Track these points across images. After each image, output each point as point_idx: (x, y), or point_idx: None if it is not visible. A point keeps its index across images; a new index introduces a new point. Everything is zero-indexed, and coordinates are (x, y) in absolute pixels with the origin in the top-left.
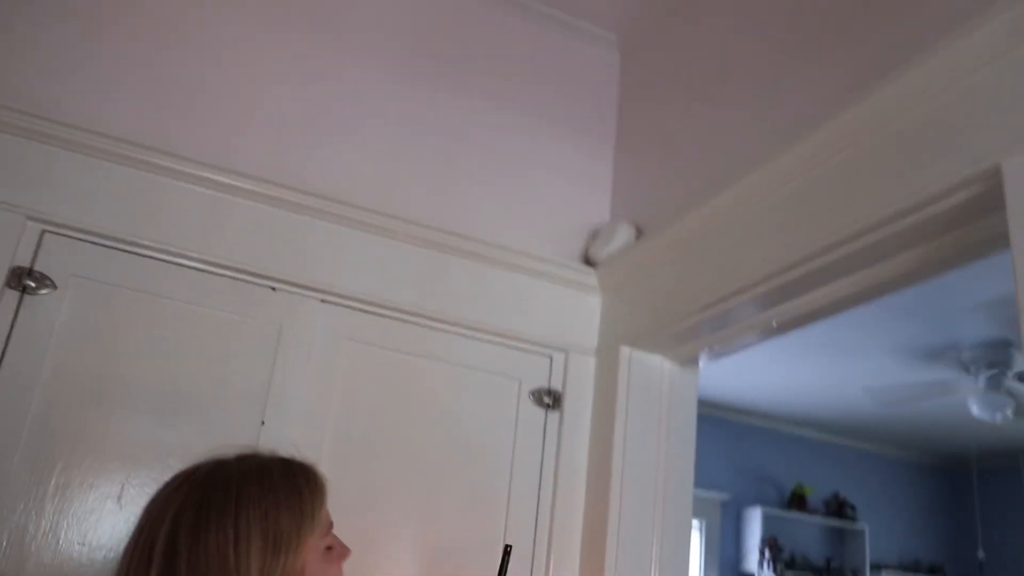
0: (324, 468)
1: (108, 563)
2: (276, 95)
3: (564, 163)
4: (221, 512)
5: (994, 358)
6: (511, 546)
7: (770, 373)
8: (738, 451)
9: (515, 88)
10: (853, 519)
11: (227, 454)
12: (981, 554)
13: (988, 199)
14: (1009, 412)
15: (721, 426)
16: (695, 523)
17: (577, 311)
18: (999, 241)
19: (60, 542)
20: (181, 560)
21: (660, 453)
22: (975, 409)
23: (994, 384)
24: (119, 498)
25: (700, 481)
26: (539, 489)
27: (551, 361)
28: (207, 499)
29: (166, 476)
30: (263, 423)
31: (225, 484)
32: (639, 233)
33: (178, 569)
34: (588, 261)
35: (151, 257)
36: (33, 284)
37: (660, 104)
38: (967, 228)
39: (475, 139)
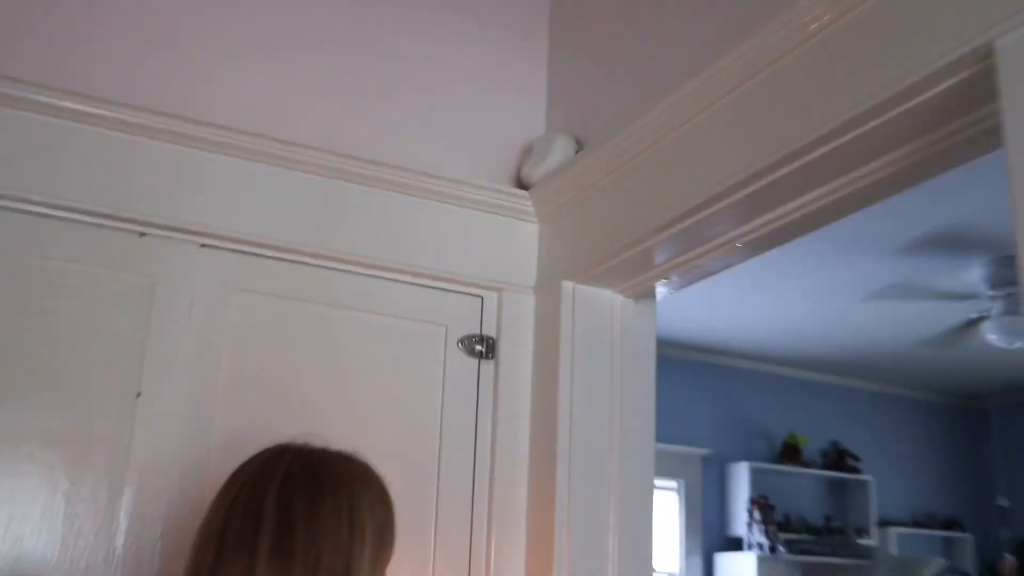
0: (218, 444)
1: None
2: (143, 9)
3: (489, 70)
4: (334, 493)
5: (1012, 275)
6: None
7: (752, 306)
8: (720, 399)
9: None
10: (856, 470)
11: (302, 441)
12: (1004, 502)
13: (979, 86)
14: None
15: (698, 371)
16: (673, 483)
17: (511, 243)
18: (993, 137)
19: None
20: (298, 521)
21: (614, 403)
22: (991, 335)
23: (1012, 306)
24: None
25: (676, 435)
26: (475, 451)
27: (482, 303)
28: (315, 473)
29: (21, 466)
30: (139, 395)
31: (330, 466)
32: (580, 147)
33: (294, 529)
34: (521, 184)
35: None
36: None
37: None
38: (958, 122)
39: (383, 47)
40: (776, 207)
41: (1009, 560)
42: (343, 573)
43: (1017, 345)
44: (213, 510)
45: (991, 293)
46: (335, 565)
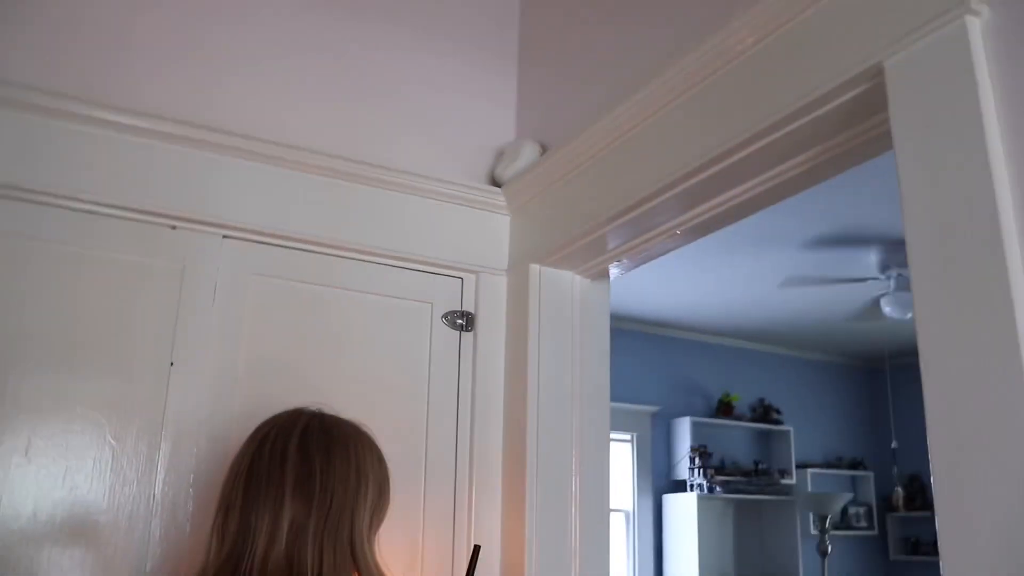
0: (238, 406)
1: (17, 517)
2: (164, 28)
3: (467, 83)
4: (344, 446)
5: (904, 258)
6: (479, 546)
7: (691, 285)
8: (666, 364)
9: (412, 7)
10: (779, 422)
11: (313, 407)
12: (894, 444)
13: (873, 98)
14: None
15: (648, 341)
16: (627, 436)
17: (486, 232)
18: (886, 140)
19: None
20: (316, 469)
21: (575, 367)
22: (887, 308)
23: (904, 283)
24: (26, 451)
25: (630, 395)
26: (457, 410)
27: (462, 283)
28: (329, 431)
29: (75, 425)
30: (172, 364)
31: (340, 427)
32: (544, 150)
33: (313, 475)
34: (495, 182)
35: (40, 203)
36: None
37: (562, 17)
38: (856, 128)
39: (373, 62)
40: (709, 199)
41: (899, 492)
42: (350, 514)
43: (908, 316)
44: (241, 454)
45: (885, 275)
46: (344, 507)
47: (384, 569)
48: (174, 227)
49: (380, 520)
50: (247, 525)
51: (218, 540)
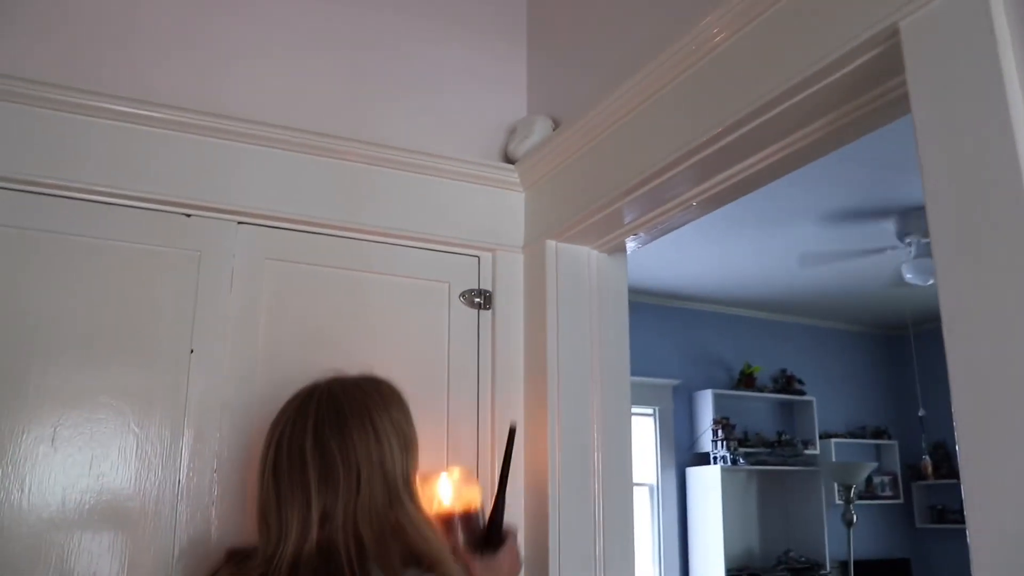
0: (259, 390)
1: (46, 505)
2: (172, 17)
3: (478, 65)
4: (359, 416)
5: (925, 224)
6: (515, 427)
7: (710, 258)
8: (686, 338)
9: None
10: (801, 392)
11: (327, 377)
12: (921, 412)
13: (889, 62)
14: None
15: (668, 315)
16: (649, 410)
17: (501, 210)
18: (903, 104)
19: None
20: (335, 455)
21: (594, 341)
22: (909, 275)
23: (925, 249)
24: (52, 441)
25: (651, 369)
26: (478, 388)
27: (479, 261)
28: (340, 408)
29: (99, 413)
30: (192, 351)
31: (351, 396)
32: (556, 125)
33: (334, 463)
34: (508, 159)
35: (55, 195)
36: None
37: None
38: (872, 92)
39: (385, 48)
40: (724, 170)
41: (926, 460)
42: (381, 476)
43: (930, 282)
44: (264, 453)
45: (904, 242)
46: (373, 476)
47: (429, 519)
48: (189, 215)
49: (415, 466)
50: (281, 524)
51: (263, 542)
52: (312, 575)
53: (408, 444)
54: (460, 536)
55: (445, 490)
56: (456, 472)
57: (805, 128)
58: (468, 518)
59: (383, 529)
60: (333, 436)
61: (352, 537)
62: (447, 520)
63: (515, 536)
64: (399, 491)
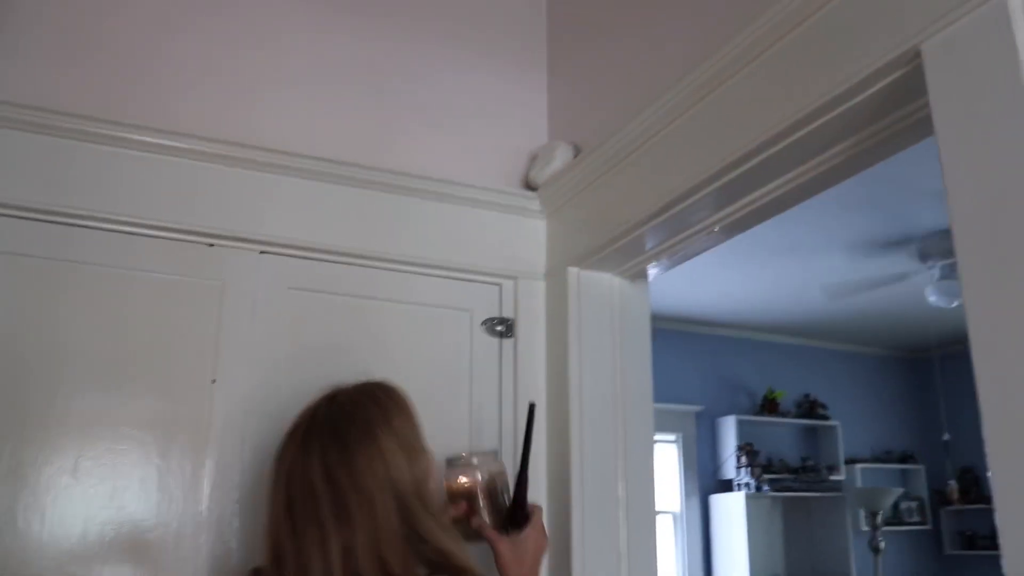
0: (283, 419)
1: (67, 537)
2: (193, 49)
3: (499, 92)
4: (362, 438)
5: (947, 246)
6: (534, 404)
7: (732, 283)
8: (709, 363)
9: (442, 23)
10: (825, 417)
11: (322, 396)
12: (946, 436)
13: (911, 84)
14: None
15: (691, 340)
16: (672, 437)
17: (523, 237)
18: (926, 126)
19: (19, 522)
20: (346, 485)
21: (616, 368)
22: (932, 297)
23: (949, 272)
24: (74, 471)
25: (673, 395)
26: (500, 417)
27: (501, 289)
28: (342, 435)
29: (121, 444)
30: (214, 381)
31: (350, 418)
32: (577, 152)
33: (345, 493)
34: (529, 186)
35: (79, 225)
36: None
37: (590, 22)
38: (894, 115)
39: (406, 76)
40: (746, 195)
41: (953, 485)
42: (393, 495)
43: (955, 304)
44: (273, 491)
45: (927, 265)
46: (386, 498)
47: (446, 525)
48: (212, 244)
49: (426, 468)
50: (299, 559)
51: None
52: None
53: (414, 452)
54: (486, 516)
55: (469, 470)
56: (480, 452)
57: (827, 152)
58: (493, 497)
59: (406, 551)
60: (341, 465)
61: (379, 565)
62: (471, 499)
63: (540, 513)
64: (412, 504)
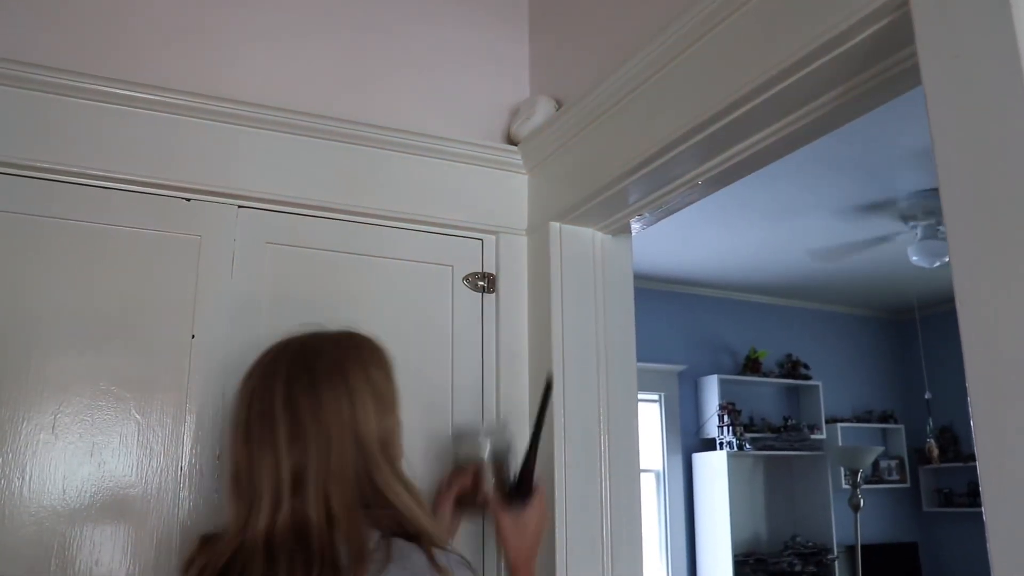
0: None
1: (47, 493)
2: (168, 1)
3: (480, 46)
4: (329, 375)
5: (929, 206)
6: (552, 377)
7: (716, 243)
8: (691, 323)
9: None
10: (807, 377)
11: (304, 331)
12: (928, 395)
13: (898, 33)
14: (947, 257)
15: (673, 300)
16: (655, 396)
17: (505, 192)
18: (913, 76)
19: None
20: (305, 414)
21: (599, 324)
22: (914, 257)
23: (931, 232)
24: (53, 428)
25: (656, 355)
26: (482, 372)
27: (482, 244)
28: (312, 366)
29: (100, 400)
30: (193, 336)
31: (325, 352)
32: (559, 106)
33: (303, 421)
34: (511, 140)
35: (53, 180)
36: None
37: None
38: (880, 65)
39: (386, 29)
40: (729, 147)
41: (932, 444)
42: (353, 440)
43: (936, 264)
44: (235, 411)
45: (909, 225)
46: (344, 437)
47: (409, 483)
48: (189, 199)
49: (393, 428)
50: (253, 488)
51: (234, 511)
52: (288, 558)
53: (387, 405)
54: (491, 489)
55: (477, 443)
56: (489, 425)
57: (812, 103)
58: (498, 470)
59: (353, 496)
60: (304, 396)
61: (323, 507)
62: (477, 472)
63: (544, 490)
64: (374, 454)
